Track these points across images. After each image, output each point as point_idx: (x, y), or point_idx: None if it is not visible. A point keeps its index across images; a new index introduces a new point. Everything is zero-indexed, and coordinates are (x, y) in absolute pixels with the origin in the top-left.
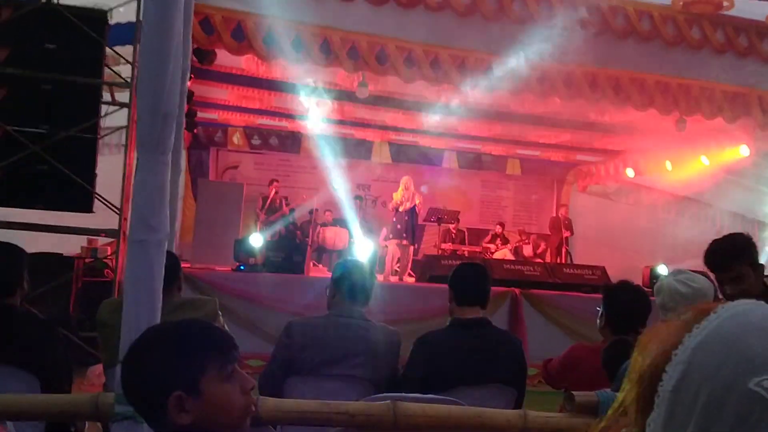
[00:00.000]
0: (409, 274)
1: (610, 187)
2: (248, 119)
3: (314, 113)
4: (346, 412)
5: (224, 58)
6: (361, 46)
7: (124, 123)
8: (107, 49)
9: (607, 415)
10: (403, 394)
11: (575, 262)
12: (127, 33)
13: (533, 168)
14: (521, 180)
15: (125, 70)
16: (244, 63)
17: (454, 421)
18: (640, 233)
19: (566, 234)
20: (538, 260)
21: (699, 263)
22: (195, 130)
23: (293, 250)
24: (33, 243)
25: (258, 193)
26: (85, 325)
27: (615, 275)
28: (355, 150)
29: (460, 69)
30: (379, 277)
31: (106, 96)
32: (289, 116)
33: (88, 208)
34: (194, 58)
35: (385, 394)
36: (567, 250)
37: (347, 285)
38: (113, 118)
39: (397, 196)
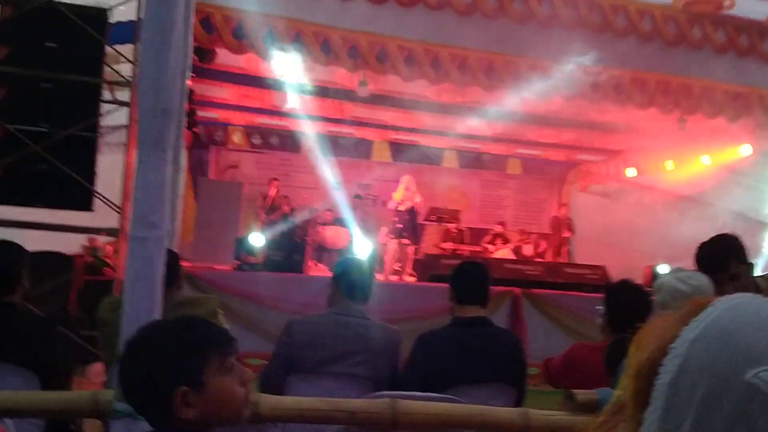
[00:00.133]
0: (410, 274)
1: (611, 187)
2: (249, 118)
3: (314, 112)
4: (347, 410)
5: (225, 57)
6: (362, 45)
7: (125, 122)
8: (107, 48)
9: (604, 410)
10: (403, 392)
11: (576, 261)
12: (128, 32)
13: (534, 167)
14: (522, 179)
15: (126, 69)
16: (245, 62)
17: (455, 420)
18: (641, 233)
19: (567, 234)
20: (539, 260)
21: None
22: (195, 129)
23: (293, 249)
24: (33, 242)
25: (258, 192)
26: (86, 324)
27: (616, 275)
28: (355, 149)
29: (461, 68)
30: (379, 277)
31: (107, 95)
32: (289, 115)
33: (88, 207)
34: (195, 57)
35: (385, 392)
36: (568, 249)
37: (347, 283)
38: (114, 116)
39: (398, 195)
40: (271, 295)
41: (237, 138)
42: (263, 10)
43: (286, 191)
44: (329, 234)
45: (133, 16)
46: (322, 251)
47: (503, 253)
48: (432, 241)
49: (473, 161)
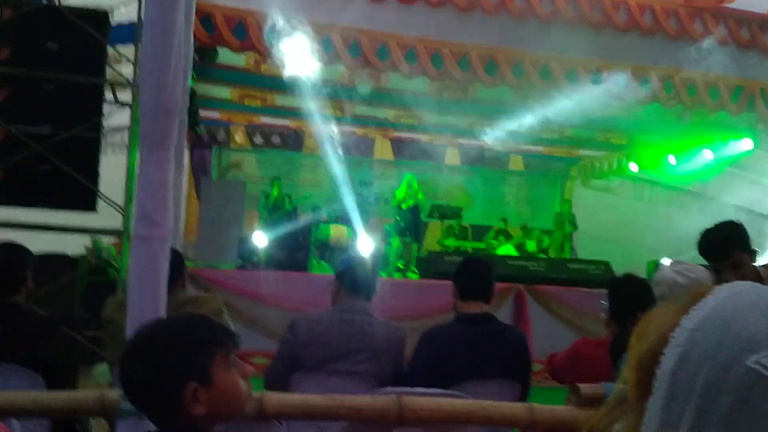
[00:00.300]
0: (413, 271)
1: (613, 182)
2: (250, 117)
3: (315, 110)
4: (353, 407)
5: (226, 57)
6: (362, 42)
7: (127, 122)
8: (109, 49)
9: (606, 402)
10: (409, 388)
11: (579, 257)
12: (129, 33)
13: (536, 163)
14: (524, 176)
15: (127, 70)
16: (246, 61)
17: (460, 415)
18: (644, 228)
19: (570, 229)
20: (542, 256)
21: (700, 256)
22: (197, 129)
23: (296, 247)
24: (36, 243)
25: (261, 191)
26: (90, 324)
27: (619, 270)
28: (356, 147)
29: (462, 64)
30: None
31: (109, 96)
32: (290, 114)
33: (91, 208)
34: (196, 56)
35: (390, 389)
36: (571, 245)
37: (351, 281)
38: (116, 117)
39: (400, 193)
40: (275, 294)
41: (239, 137)
42: (263, 8)
43: (289, 190)
44: (332, 232)
45: (134, 18)
46: (325, 249)
47: (506, 249)
48: (434, 239)
49: (475, 158)
